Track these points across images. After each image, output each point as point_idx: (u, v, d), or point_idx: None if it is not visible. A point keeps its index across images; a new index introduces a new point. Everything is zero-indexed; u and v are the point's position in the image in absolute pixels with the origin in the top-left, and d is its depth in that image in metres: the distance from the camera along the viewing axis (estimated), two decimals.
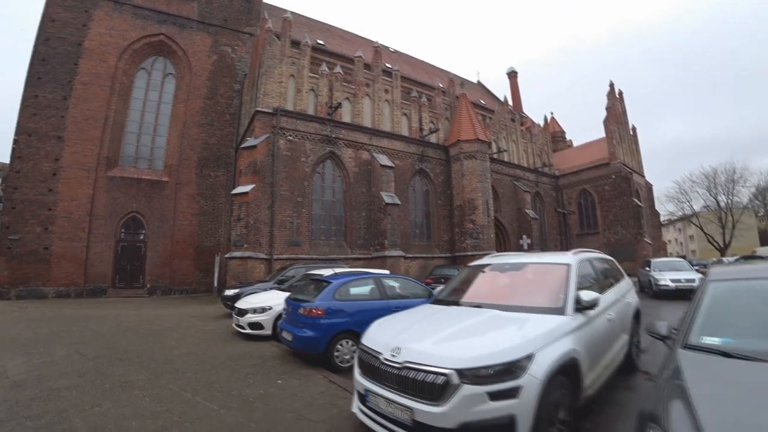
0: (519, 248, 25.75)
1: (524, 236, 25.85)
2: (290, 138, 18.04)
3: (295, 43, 19.86)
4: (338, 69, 20.19)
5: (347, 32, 31.91)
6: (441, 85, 24.98)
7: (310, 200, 18.41)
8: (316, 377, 5.53)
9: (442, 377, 2.77)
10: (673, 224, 65.38)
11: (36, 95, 19.15)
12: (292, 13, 27.05)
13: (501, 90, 44.53)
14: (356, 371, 3.56)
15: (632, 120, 34.45)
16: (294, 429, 3.81)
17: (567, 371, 3.08)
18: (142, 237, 20.44)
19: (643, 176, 33.42)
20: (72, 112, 19.51)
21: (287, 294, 8.08)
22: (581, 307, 3.61)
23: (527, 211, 26.67)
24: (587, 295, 3.67)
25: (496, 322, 3.50)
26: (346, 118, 19.95)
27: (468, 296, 4.58)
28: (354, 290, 6.99)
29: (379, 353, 3.30)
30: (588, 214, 30.66)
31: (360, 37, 32.15)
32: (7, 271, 17.76)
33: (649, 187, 34.03)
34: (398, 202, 19.42)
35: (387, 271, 10.98)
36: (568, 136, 42.44)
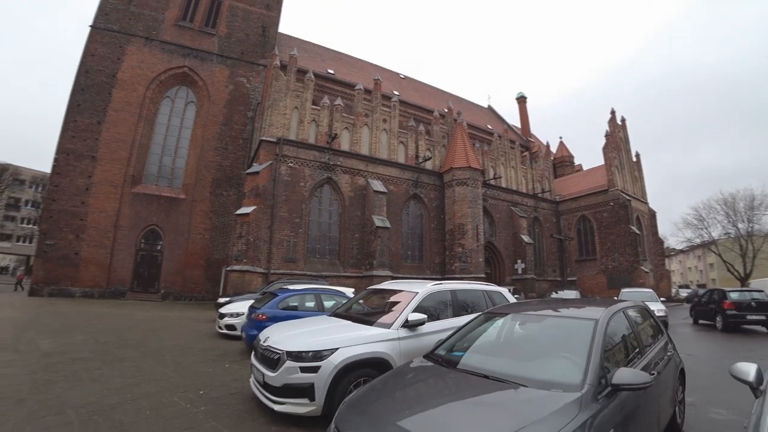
0: (513, 272, 26.83)
1: (519, 261, 26.84)
2: (291, 165, 19.95)
3: (303, 72, 21.94)
4: (339, 101, 22.08)
5: (359, 60, 33.92)
6: (438, 114, 26.44)
7: (308, 221, 20.18)
8: None
9: (277, 355, 4.41)
10: (693, 251, 64.01)
11: (75, 120, 21.80)
12: (306, 42, 29.34)
13: (514, 114, 45.44)
14: (252, 354, 5.23)
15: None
16: (215, 390, 5.63)
17: (375, 365, 4.54)
18: (159, 248, 22.67)
19: (646, 203, 33.76)
20: (104, 135, 22.08)
21: None
22: (408, 324, 5.00)
23: (522, 236, 27.64)
24: (414, 317, 5.04)
25: (338, 328, 5.08)
26: (345, 146, 21.76)
27: (348, 311, 6.15)
28: (294, 303, 9.11)
29: (259, 340, 5.02)
30: (587, 241, 31.23)
31: (371, 64, 34.10)
32: (42, 272, 20.37)
33: (652, 214, 34.28)
34: (389, 225, 20.95)
35: (351, 289, 12.77)
36: (578, 161, 42.97)
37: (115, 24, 23.14)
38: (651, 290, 18.00)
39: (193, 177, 23.71)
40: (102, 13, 23.03)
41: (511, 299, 6.76)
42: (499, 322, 3.90)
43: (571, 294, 19.00)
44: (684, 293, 42.05)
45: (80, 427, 4.08)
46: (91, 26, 22.70)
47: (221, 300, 13.76)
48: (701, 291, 36.55)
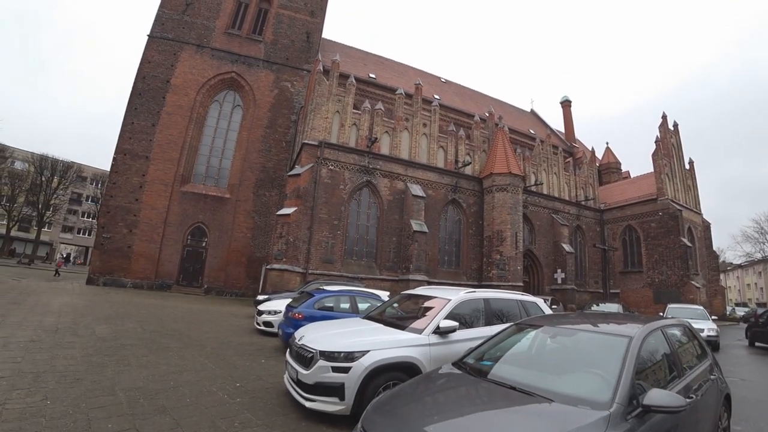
0: (552, 282, 26.05)
1: (559, 270, 26.00)
2: (331, 167, 20.36)
3: (345, 77, 22.39)
4: (379, 105, 22.31)
5: (400, 64, 34.14)
6: (479, 119, 26.14)
7: (346, 223, 20.50)
8: None
9: (311, 354, 4.57)
10: (753, 267, 59.56)
11: (132, 122, 23.28)
12: (348, 47, 29.90)
13: (558, 118, 44.19)
14: (287, 351, 5.42)
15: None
16: (251, 383, 5.92)
17: (404, 369, 4.61)
18: (204, 244, 23.74)
19: (700, 213, 31.78)
20: (158, 137, 23.43)
21: None
22: (440, 331, 5.00)
23: (563, 245, 26.77)
24: (445, 324, 5.05)
25: (370, 331, 5.21)
26: (385, 150, 21.95)
27: (381, 314, 6.22)
28: (330, 303, 9.40)
29: (295, 338, 5.20)
30: (632, 252, 29.75)
31: (412, 68, 34.25)
32: (99, 263, 21.95)
33: (706, 226, 32.24)
34: (426, 230, 20.89)
35: (387, 293, 12.96)
36: (626, 167, 41.14)
37: (169, 33, 24.60)
38: (701, 307, 16.95)
39: (237, 177, 24.69)
40: (158, 23, 24.58)
41: (547, 310, 6.67)
42: (531, 333, 3.88)
43: (612, 308, 18.26)
44: (741, 312, 39.09)
45: (128, 407, 4.41)
46: (148, 35, 24.24)
47: (260, 297, 14.27)
48: (760, 310, 33.92)
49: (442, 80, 35.71)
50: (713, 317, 15.78)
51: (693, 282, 26.54)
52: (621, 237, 30.35)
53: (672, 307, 16.27)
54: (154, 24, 24.49)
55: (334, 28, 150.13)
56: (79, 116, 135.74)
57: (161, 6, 24.79)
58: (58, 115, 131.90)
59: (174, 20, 24.76)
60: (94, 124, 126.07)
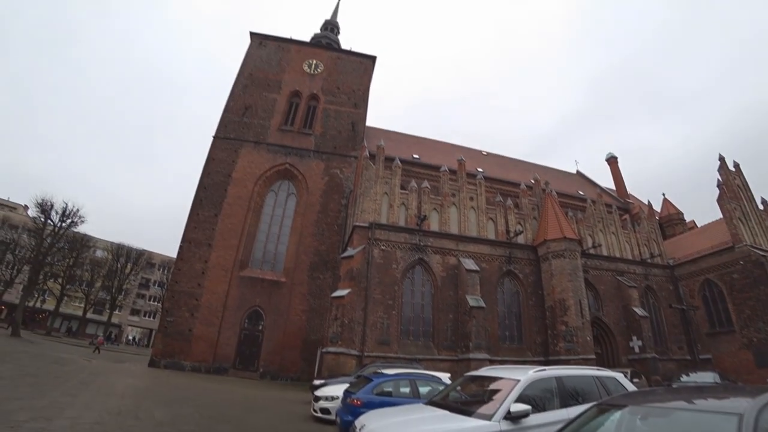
0: (628, 351, 23.85)
1: (634, 337, 23.85)
2: (383, 248, 20.68)
3: (390, 160, 23.39)
4: (426, 184, 22.93)
5: (440, 142, 35.66)
6: (525, 186, 26.05)
7: (400, 303, 20.30)
8: None
9: None
10: None
11: (198, 213, 25.35)
12: (390, 132, 31.66)
13: (605, 176, 43.16)
14: None
15: None
16: None
17: None
18: (260, 327, 24.24)
19: None
20: (219, 225, 25.23)
21: None
22: (511, 416, 4.58)
23: (634, 308, 24.77)
24: (517, 407, 4.63)
25: (435, 418, 4.94)
26: (434, 226, 22.17)
27: (445, 399, 5.93)
28: (389, 388, 9.01)
29: (355, 428, 5.04)
30: (717, 309, 26.74)
31: (452, 145, 35.52)
32: (161, 345, 22.93)
33: None
34: (483, 305, 20.21)
35: (448, 374, 12.50)
36: (690, 216, 38.48)
37: (231, 133, 27.65)
38: None
39: (292, 261, 25.66)
40: (222, 125, 27.82)
41: (629, 386, 6.02)
42: (616, 415, 3.41)
43: (707, 377, 16.04)
44: None
45: None
46: (213, 136, 27.15)
47: (316, 382, 14.03)
48: None
49: (483, 153, 36.41)
50: None
51: None
52: (700, 293, 27.54)
53: None
54: (218, 126, 27.59)
55: (376, 115, 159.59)
56: (150, 206, 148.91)
57: (225, 111, 28.20)
58: (133, 205, 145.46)
59: (235, 122, 27.83)
60: (163, 212, 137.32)
